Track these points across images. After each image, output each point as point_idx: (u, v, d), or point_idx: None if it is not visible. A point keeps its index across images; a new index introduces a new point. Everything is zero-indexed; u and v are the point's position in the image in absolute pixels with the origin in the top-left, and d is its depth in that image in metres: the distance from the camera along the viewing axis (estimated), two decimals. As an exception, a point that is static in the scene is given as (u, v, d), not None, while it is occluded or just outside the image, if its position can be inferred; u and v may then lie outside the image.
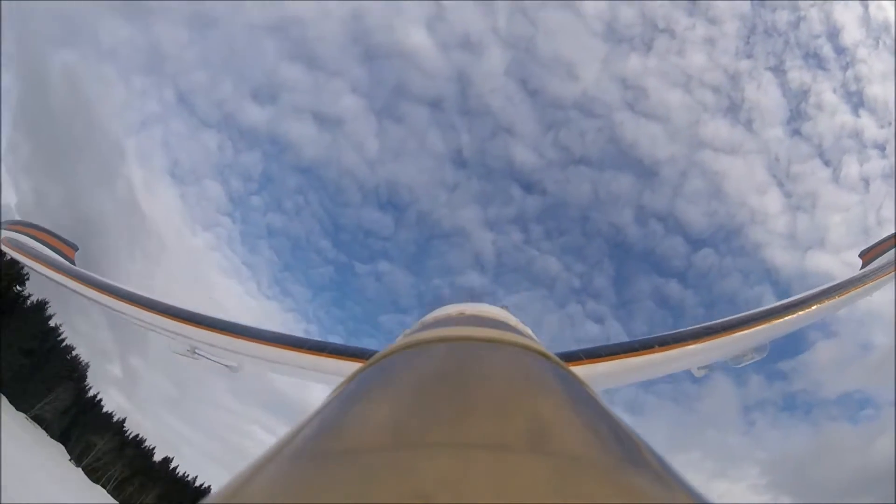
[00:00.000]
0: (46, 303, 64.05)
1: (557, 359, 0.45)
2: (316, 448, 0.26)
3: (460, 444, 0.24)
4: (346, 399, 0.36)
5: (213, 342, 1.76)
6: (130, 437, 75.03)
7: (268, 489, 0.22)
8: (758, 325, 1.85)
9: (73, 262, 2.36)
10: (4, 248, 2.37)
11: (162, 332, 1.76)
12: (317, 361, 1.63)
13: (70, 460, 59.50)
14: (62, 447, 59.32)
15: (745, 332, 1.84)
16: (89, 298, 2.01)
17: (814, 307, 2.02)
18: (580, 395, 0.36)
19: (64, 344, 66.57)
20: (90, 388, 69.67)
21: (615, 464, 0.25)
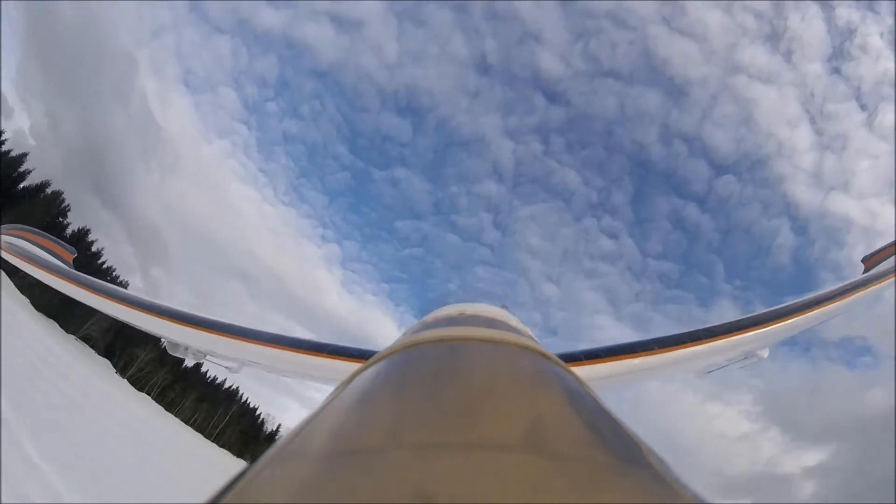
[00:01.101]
0: (88, 230, 67.09)
1: (557, 359, 0.44)
2: (316, 448, 0.26)
3: (460, 444, 0.24)
4: (346, 399, 0.35)
5: (212, 344, 1.71)
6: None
7: (268, 489, 0.22)
8: (759, 329, 1.80)
9: (71, 266, 2.35)
10: (4, 254, 2.28)
11: (161, 335, 1.76)
12: (316, 362, 1.57)
13: (116, 372, 64.37)
14: (108, 362, 63.98)
15: (746, 334, 1.78)
16: (88, 303, 2.03)
17: (816, 310, 1.96)
18: (580, 395, 0.35)
19: (105, 266, 70.29)
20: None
21: (615, 464, 0.24)
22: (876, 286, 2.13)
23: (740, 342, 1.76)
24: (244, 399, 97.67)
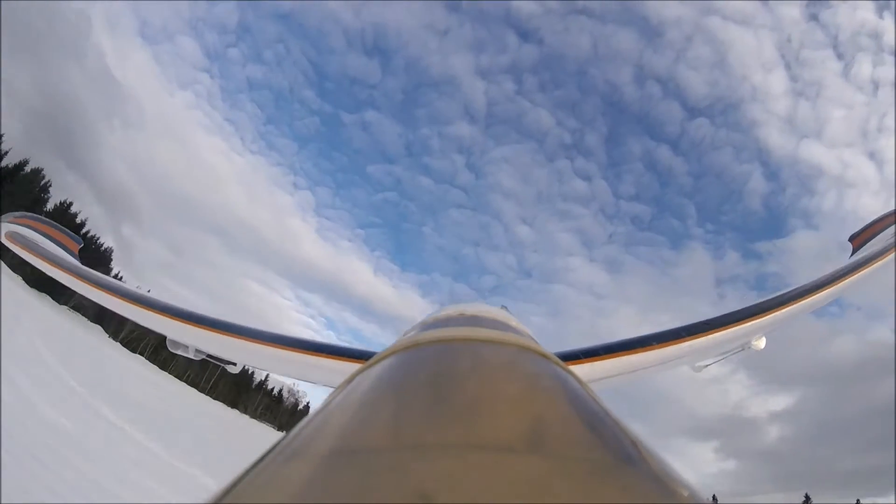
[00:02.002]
0: (70, 203, 68.91)
1: (556, 359, 0.43)
2: (316, 448, 0.25)
3: (460, 444, 0.24)
4: (345, 399, 0.35)
5: (214, 342, 1.63)
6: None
7: (268, 489, 0.22)
8: (754, 319, 1.71)
9: (76, 257, 2.30)
10: (5, 243, 2.12)
11: (162, 332, 1.72)
12: (316, 362, 1.47)
13: (109, 337, 67.78)
14: (100, 327, 67.36)
15: (742, 326, 1.70)
16: (91, 297, 1.94)
17: (811, 297, 1.85)
18: (579, 394, 0.35)
19: (90, 234, 72.48)
20: (119, 272, 77.06)
21: (615, 464, 0.24)
22: (870, 267, 1.96)
23: (736, 334, 1.66)
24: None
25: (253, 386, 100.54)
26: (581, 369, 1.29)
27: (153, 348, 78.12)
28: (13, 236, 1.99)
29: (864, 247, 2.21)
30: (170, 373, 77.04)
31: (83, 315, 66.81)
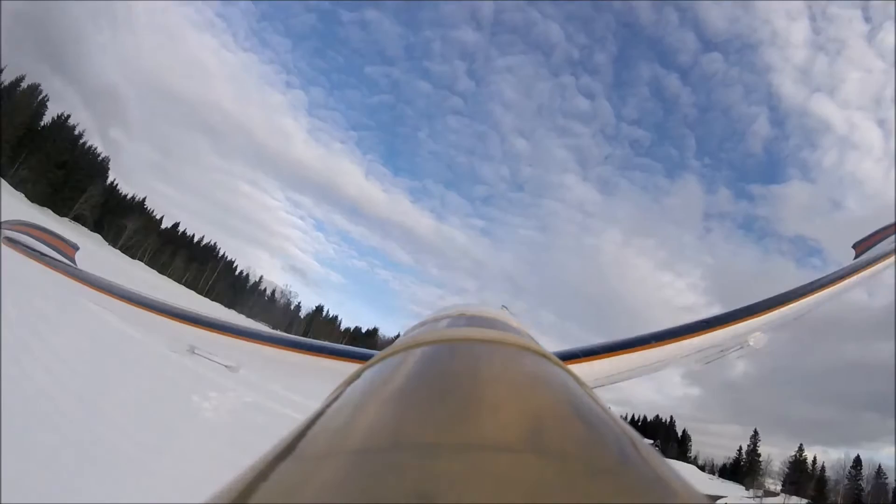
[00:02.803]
0: (68, 115, 69.46)
1: (556, 359, 0.43)
2: (316, 448, 0.25)
3: (460, 444, 0.24)
4: (345, 400, 0.35)
5: (212, 342, 1.57)
6: (155, 214, 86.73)
7: (268, 490, 0.22)
8: (754, 318, 1.68)
9: (73, 262, 2.16)
10: (5, 248, 1.96)
11: (161, 333, 1.64)
12: (316, 362, 1.46)
13: (109, 244, 71.11)
14: (99, 235, 70.53)
15: (741, 324, 1.67)
16: (90, 299, 1.81)
17: (809, 297, 1.82)
18: (579, 394, 0.35)
19: (87, 145, 73.77)
20: (115, 180, 78.75)
21: (614, 464, 0.24)
22: (869, 270, 1.87)
23: (736, 332, 1.62)
24: (225, 255, 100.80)
25: (248, 287, 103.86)
26: (580, 369, 1.28)
27: (152, 254, 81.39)
28: (12, 243, 1.88)
29: (866, 254, 2.17)
30: (169, 276, 79.24)
31: (83, 225, 68.64)
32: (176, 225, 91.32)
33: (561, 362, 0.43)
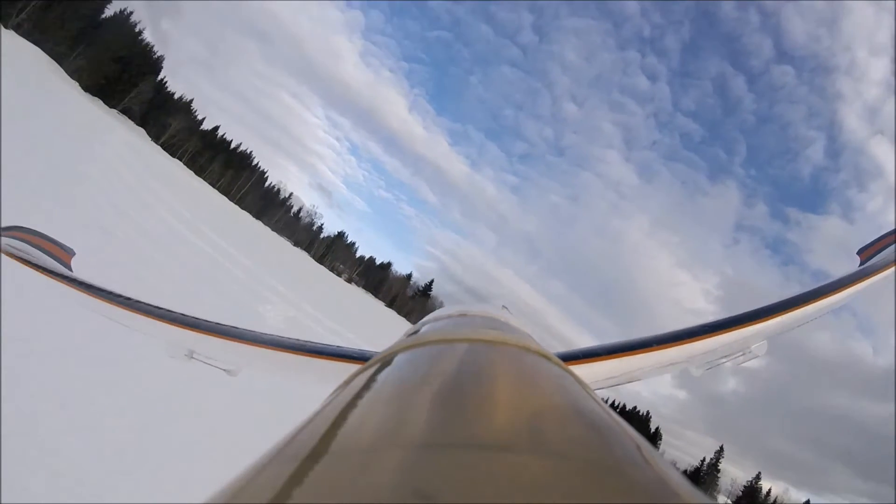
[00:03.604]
0: (131, 11, 70.23)
1: (557, 359, 0.43)
2: (316, 448, 0.25)
3: (460, 444, 0.24)
4: (346, 399, 0.34)
5: (211, 346, 1.56)
6: (198, 116, 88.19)
7: (268, 489, 0.21)
8: (757, 323, 1.61)
9: (69, 267, 2.10)
10: (4, 256, 1.92)
11: (159, 338, 1.60)
12: (316, 364, 1.44)
13: (151, 140, 73.08)
14: (143, 130, 72.44)
15: (743, 329, 1.60)
16: (85, 305, 1.76)
17: (813, 304, 1.72)
18: (579, 395, 0.34)
19: (144, 42, 74.79)
20: (165, 78, 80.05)
21: (615, 464, 0.24)
22: (874, 277, 1.79)
23: (738, 338, 1.57)
24: (258, 165, 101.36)
25: (276, 202, 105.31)
26: (581, 370, 1.25)
27: (191, 155, 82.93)
28: (10, 249, 1.80)
29: (871, 261, 2.02)
30: (204, 179, 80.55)
31: (130, 118, 70.14)
32: (216, 128, 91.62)
33: (561, 362, 0.44)
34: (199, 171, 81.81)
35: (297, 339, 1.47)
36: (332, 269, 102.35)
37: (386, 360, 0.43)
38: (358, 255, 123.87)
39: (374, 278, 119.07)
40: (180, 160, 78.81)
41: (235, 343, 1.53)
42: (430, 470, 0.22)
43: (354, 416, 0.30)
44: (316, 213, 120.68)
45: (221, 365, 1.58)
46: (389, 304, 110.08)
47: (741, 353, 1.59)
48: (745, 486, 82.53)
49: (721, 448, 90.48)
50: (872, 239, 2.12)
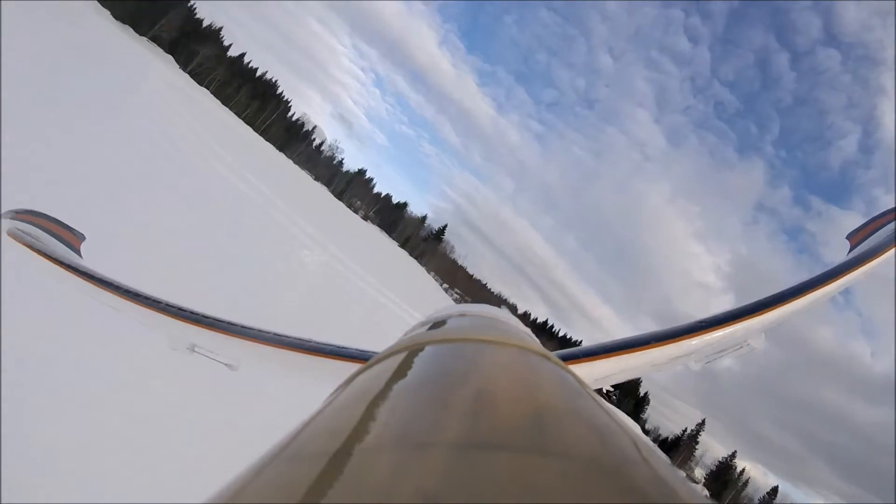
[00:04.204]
0: None
1: (557, 359, 0.42)
2: (316, 448, 0.24)
3: (460, 444, 0.23)
4: (346, 399, 0.34)
5: (213, 341, 1.54)
6: (226, 43, 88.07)
7: (268, 489, 0.21)
8: (753, 317, 1.56)
9: (79, 253, 2.06)
10: (9, 239, 1.86)
11: (162, 331, 1.57)
12: (316, 362, 1.42)
13: (179, 67, 73.67)
14: (172, 57, 72.94)
15: (740, 324, 1.55)
16: (90, 294, 1.71)
17: (808, 295, 1.67)
18: (580, 395, 0.34)
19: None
20: (194, 4, 79.63)
21: (615, 464, 0.23)
22: (868, 264, 1.74)
23: (735, 332, 1.54)
24: (283, 95, 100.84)
25: (300, 135, 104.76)
26: (580, 369, 1.25)
27: (218, 84, 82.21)
28: (15, 233, 1.79)
29: (861, 244, 1.97)
30: (231, 108, 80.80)
31: (159, 46, 70.40)
32: (243, 55, 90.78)
33: (561, 362, 0.43)
34: (226, 101, 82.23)
35: (299, 338, 1.43)
36: (349, 206, 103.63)
37: (386, 360, 0.43)
38: (375, 191, 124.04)
39: (390, 217, 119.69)
40: (207, 88, 79.26)
41: (237, 339, 1.52)
42: (430, 470, 0.22)
43: (354, 416, 0.30)
44: (338, 148, 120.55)
45: (223, 359, 1.57)
46: (402, 245, 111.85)
47: (739, 347, 1.56)
48: (719, 462, 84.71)
49: (703, 421, 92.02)
50: (861, 223, 2.04)
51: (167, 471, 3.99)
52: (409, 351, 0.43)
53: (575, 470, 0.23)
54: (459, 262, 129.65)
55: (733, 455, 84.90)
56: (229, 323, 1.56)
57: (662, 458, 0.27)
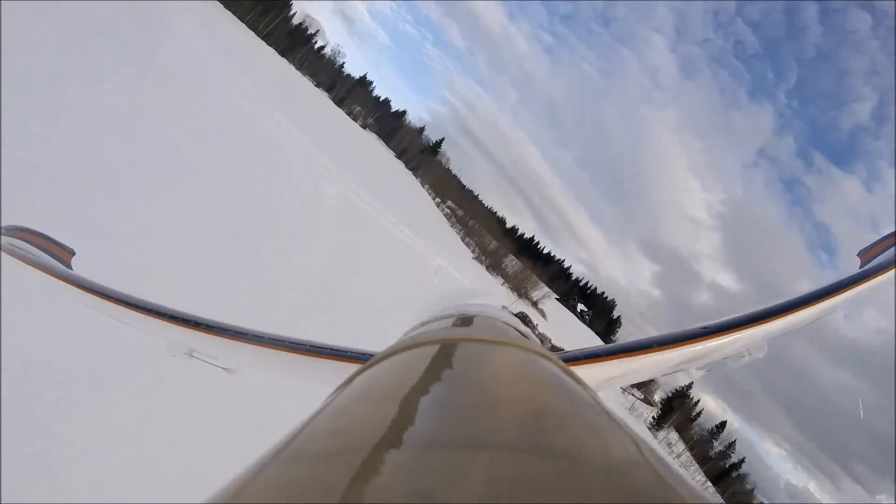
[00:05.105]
0: None
1: (557, 359, 0.43)
2: (316, 448, 0.25)
3: (460, 444, 0.23)
4: (346, 399, 0.34)
5: (211, 346, 1.52)
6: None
7: (268, 490, 0.21)
8: (757, 325, 1.53)
9: (69, 266, 2.02)
10: (5, 255, 1.86)
11: (160, 336, 1.56)
12: (315, 363, 1.38)
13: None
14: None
15: (743, 332, 1.53)
16: (85, 303, 1.70)
17: (813, 306, 1.65)
18: (580, 395, 0.34)
19: None
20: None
21: (615, 464, 0.24)
22: (874, 279, 1.74)
23: (738, 339, 1.51)
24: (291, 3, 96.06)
25: (302, 39, 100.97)
26: (581, 371, 1.20)
27: None
28: (10, 249, 1.75)
29: (871, 263, 1.95)
30: (233, 13, 76.83)
31: None
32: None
33: (562, 363, 0.43)
34: (228, 5, 79.45)
35: (297, 339, 1.38)
36: (349, 113, 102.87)
37: (386, 360, 0.42)
38: (374, 94, 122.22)
39: (388, 125, 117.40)
40: (209, -11, 76.78)
41: (235, 342, 1.46)
42: (430, 470, 0.21)
43: (354, 416, 0.30)
44: (339, 52, 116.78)
45: (221, 363, 1.51)
46: (399, 156, 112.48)
47: (742, 356, 1.51)
48: (676, 389, 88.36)
49: None
50: (873, 241, 2.00)
51: (167, 471, 3.89)
52: (409, 351, 0.43)
53: (575, 470, 0.22)
54: (454, 172, 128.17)
55: (690, 385, 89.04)
56: (227, 326, 1.50)
57: (664, 459, 0.27)
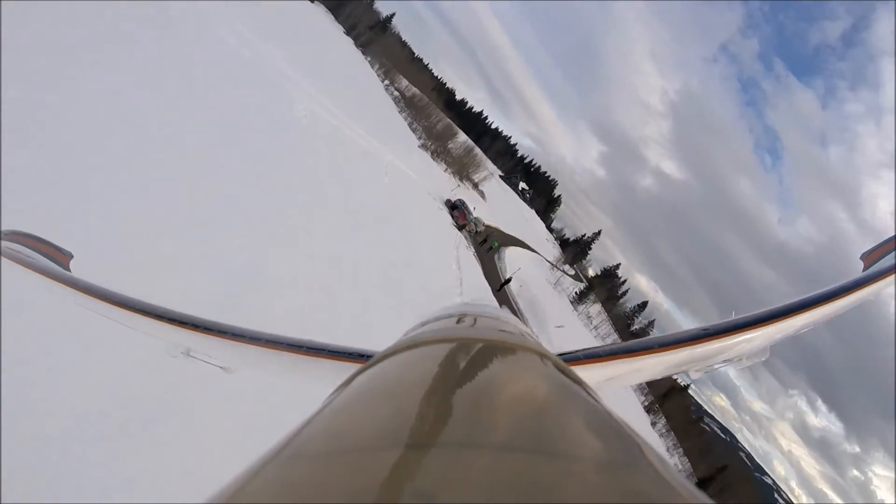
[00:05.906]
0: None
1: (557, 359, 0.42)
2: (316, 448, 0.24)
3: (460, 444, 0.23)
4: (346, 399, 0.34)
5: (209, 345, 1.49)
6: None
7: (268, 490, 0.21)
8: (758, 328, 1.45)
9: (67, 269, 2.01)
10: (4, 259, 1.86)
11: (157, 337, 1.52)
12: (315, 363, 1.34)
13: None
14: None
15: (745, 334, 1.45)
16: (84, 305, 1.67)
17: (815, 310, 1.56)
18: (580, 395, 0.34)
19: None
20: None
21: (616, 464, 0.23)
22: (877, 283, 1.65)
23: (740, 342, 1.43)
24: None
25: None
26: (581, 371, 1.17)
27: None
28: (9, 253, 1.76)
29: (874, 266, 1.84)
30: None
31: None
32: None
33: (562, 363, 0.43)
34: None
35: (297, 339, 1.35)
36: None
37: (386, 360, 0.42)
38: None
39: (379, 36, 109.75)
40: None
41: (234, 342, 1.44)
42: (430, 470, 0.21)
43: (354, 416, 0.30)
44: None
45: (219, 363, 1.50)
46: (348, 32, 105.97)
47: (742, 358, 1.46)
48: (605, 268, 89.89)
49: (599, 232, 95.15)
50: (875, 244, 1.93)
51: (167, 471, 3.85)
52: (409, 351, 0.43)
53: (576, 470, 0.22)
54: (406, 42, 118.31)
55: (618, 266, 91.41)
56: (225, 326, 1.48)
57: (664, 460, 0.26)
